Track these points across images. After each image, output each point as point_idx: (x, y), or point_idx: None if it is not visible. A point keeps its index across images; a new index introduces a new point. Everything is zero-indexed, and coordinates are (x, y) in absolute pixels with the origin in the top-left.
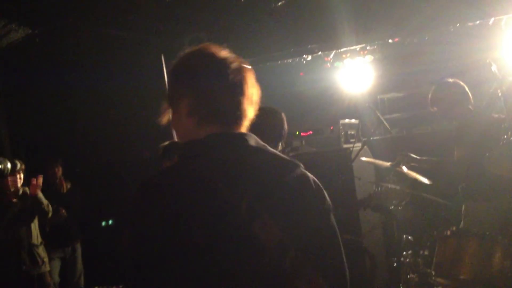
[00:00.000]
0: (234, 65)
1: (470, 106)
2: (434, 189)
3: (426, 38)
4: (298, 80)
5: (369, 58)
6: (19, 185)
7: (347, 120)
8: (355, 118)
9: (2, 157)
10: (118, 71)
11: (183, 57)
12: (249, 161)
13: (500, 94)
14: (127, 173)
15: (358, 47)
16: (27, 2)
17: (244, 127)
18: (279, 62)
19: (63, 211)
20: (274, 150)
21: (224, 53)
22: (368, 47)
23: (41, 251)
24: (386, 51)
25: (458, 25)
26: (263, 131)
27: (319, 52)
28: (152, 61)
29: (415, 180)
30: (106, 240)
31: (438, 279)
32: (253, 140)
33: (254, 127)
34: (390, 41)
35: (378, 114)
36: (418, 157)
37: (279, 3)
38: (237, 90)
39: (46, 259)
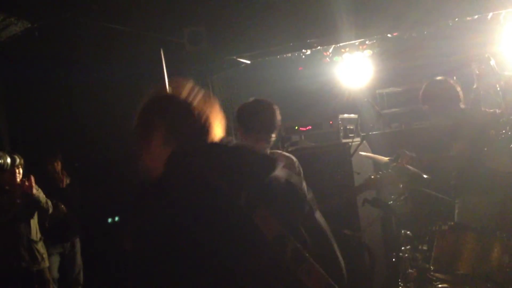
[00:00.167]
0: (199, 100)
1: (461, 104)
2: (432, 184)
3: (425, 32)
4: (297, 74)
5: (368, 52)
6: (18, 180)
7: (346, 115)
8: (354, 113)
9: (2, 152)
10: (117, 65)
11: (154, 97)
12: (237, 159)
13: (498, 89)
14: (127, 167)
15: (357, 41)
16: None
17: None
18: (278, 56)
19: (63, 206)
20: (255, 149)
21: (188, 90)
22: (367, 42)
23: (40, 247)
24: (385, 46)
25: (456, 19)
26: (254, 122)
27: (318, 46)
28: (151, 55)
29: (414, 174)
30: (105, 235)
31: (437, 274)
32: (233, 141)
33: (246, 118)
34: (389, 35)
35: (377, 109)
36: (414, 155)
37: None
38: (203, 120)
39: (45, 255)
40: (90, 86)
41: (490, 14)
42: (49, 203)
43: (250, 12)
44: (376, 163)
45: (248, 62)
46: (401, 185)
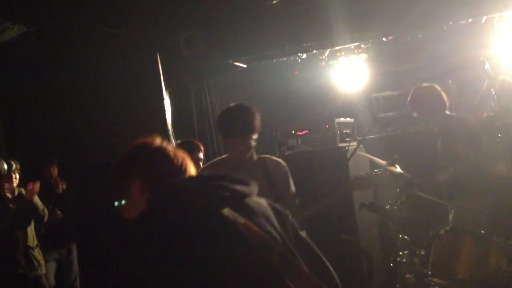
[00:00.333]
0: (172, 148)
1: (446, 111)
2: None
3: (420, 36)
4: (293, 78)
5: (364, 56)
6: (14, 185)
7: (342, 119)
8: (350, 117)
9: None
10: (114, 70)
11: (127, 152)
12: (213, 185)
13: (493, 93)
14: None
15: (352, 45)
16: (23, 0)
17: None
18: (274, 60)
19: (59, 212)
20: (233, 175)
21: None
22: (362, 45)
23: (37, 254)
24: (380, 49)
25: (451, 23)
26: (231, 126)
27: (314, 50)
28: (147, 60)
29: (410, 179)
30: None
31: (435, 279)
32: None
33: (223, 123)
34: (384, 39)
35: (373, 113)
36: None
37: (274, 1)
38: (179, 161)
39: (42, 261)
40: (87, 90)
41: (484, 18)
42: (46, 210)
43: (246, 16)
44: (373, 167)
45: (244, 66)
46: (398, 190)
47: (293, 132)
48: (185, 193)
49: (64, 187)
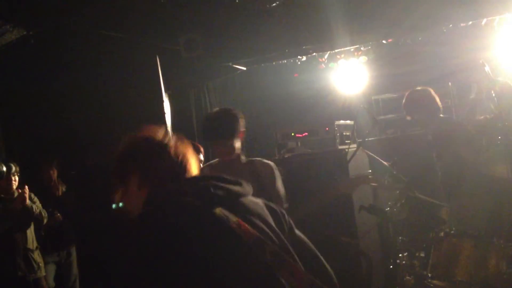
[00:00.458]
0: (173, 144)
1: (439, 114)
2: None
3: (420, 38)
4: (293, 81)
5: (363, 58)
6: (14, 188)
7: (342, 121)
8: (350, 119)
9: None
10: (113, 72)
11: (129, 144)
12: (209, 185)
13: (493, 95)
14: None
15: (352, 48)
16: (22, 3)
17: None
18: (273, 63)
19: (58, 214)
20: (228, 177)
21: (163, 133)
22: (362, 48)
23: (37, 256)
24: (380, 52)
25: (451, 25)
26: (212, 130)
27: (313, 53)
28: (147, 62)
29: (410, 181)
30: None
31: (434, 281)
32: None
33: (205, 127)
34: (384, 41)
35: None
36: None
37: (274, 4)
38: (180, 158)
39: (41, 264)
40: (86, 93)
41: (484, 20)
42: (44, 213)
43: (245, 19)
44: (373, 169)
45: (244, 68)
46: (398, 192)
47: (292, 134)
48: (182, 194)
49: (64, 189)
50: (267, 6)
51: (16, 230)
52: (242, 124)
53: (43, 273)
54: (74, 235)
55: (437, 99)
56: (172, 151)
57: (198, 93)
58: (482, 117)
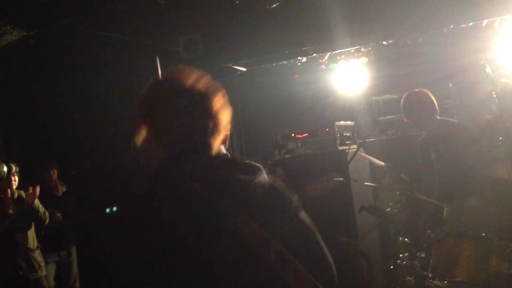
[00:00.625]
0: (197, 91)
1: (437, 116)
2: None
3: (420, 39)
4: (293, 82)
5: (364, 59)
6: (14, 188)
7: (342, 122)
8: (350, 120)
9: None
10: (113, 73)
11: (149, 86)
12: (217, 168)
13: (494, 96)
14: (122, 175)
15: (352, 49)
16: (22, 4)
17: (211, 149)
18: (273, 64)
19: (59, 214)
20: (235, 159)
21: (189, 78)
22: (362, 49)
23: (38, 256)
24: (381, 53)
25: (452, 26)
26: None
27: (313, 54)
28: (147, 63)
29: (411, 182)
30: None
31: (435, 282)
32: (215, 155)
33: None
34: (384, 42)
35: (373, 116)
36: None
37: (274, 5)
38: (196, 115)
39: (42, 263)
40: (86, 94)
41: (485, 21)
42: (47, 214)
43: (245, 20)
44: (373, 169)
45: (244, 69)
46: (398, 192)
47: (293, 135)
48: (188, 179)
49: (64, 189)
50: (267, 7)
51: (20, 230)
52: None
53: (44, 273)
54: (74, 235)
55: (435, 101)
56: (195, 105)
57: None
58: (490, 116)
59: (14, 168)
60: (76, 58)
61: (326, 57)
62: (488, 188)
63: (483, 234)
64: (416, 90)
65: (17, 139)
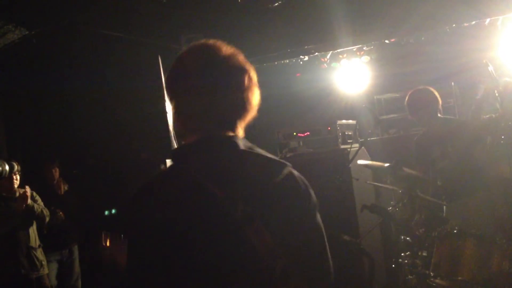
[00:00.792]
0: (227, 66)
1: (439, 114)
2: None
3: (423, 38)
4: (295, 80)
5: (366, 58)
6: (15, 186)
7: (344, 121)
8: (352, 119)
9: (0, 159)
10: (115, 72)
11: (178, 56)
12: (239, 165)
13: (497, 95)
14: (125, 174)
15: (354, 47)
16: (24, 3)
17: (237, 129)
18: (276, 62)
19: (61, 213)
20: (262, 151)
21: (219, 51)
22: (364, 48)
23: (40, 254)
24: (383, 52)
25: (454, 25)
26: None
27: (315, 52)
28: (149, 62)
29: (413, 180)
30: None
31: (437, 280)
32: (242, 142)
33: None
34: (386, 41)
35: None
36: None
37: (276, 4)
38: (227, 91)
39: (44, 262)
40: (88, 93)
41: (488, 20)
42: (46, 212)
43: (248, 18)
44: (375, 169)
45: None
46: (400, 191)
47: (294, 134)
48: (200, 176)
49: (66, 188)
50: (270, 5)
51: (19, 229)
52: None
53: (46, 271)
54: (76, 233)
55: (439, 99)
56: (220, 77)
57: None
58: (487, 116)
59: (16, 167)
60: (78, 56)
61: (328, 56)
62: (490, 186)
63: (485, 233)
64: (421, 87)
65: (19, 138)
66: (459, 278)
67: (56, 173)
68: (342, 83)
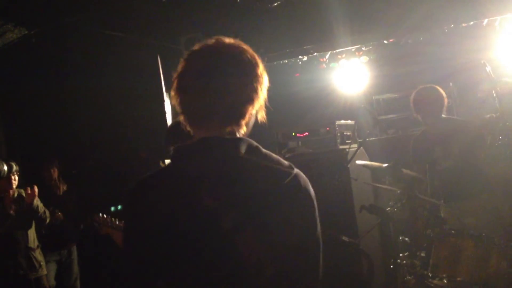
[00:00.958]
0: (235, 62)
1: (443, 114)
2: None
3: (421, 38)
4: (294, 81)
5: (365, 58)
6: (14, 187)
7: (343, 121)
8: (351, 119)
9: None
10: (114, 72)
11: (187, 54)
12: (236, 170)
13: (495, 95)
14: (123, 174)
15: (353, 48)
16: (24, 2)
17: (240, 128)
18: (274, 63)
19: (60, 213)
20: (267, 155)
21: (228, 49)
22: (363, 48)
23: (38, 255)
24: (381, 52)
25: (452, 25)
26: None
27: (314, 53)
28: (148, 62)
29: (412, 181)
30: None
31: (435, 281)
32: (245, 146)
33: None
34: (385, 41)
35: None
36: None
37: (275, 4)
38: (232, 89)
39: (43, 263)
40: (87, 92)
41: (486, 20)
42: (47, 213)
43: (247, 18)
44: (374, 169)
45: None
46: (399, 191)
47: (293, 134)
48: (196, 182)
49: (65, 188)
50: (268, 6)
51: (19, 229)
52: None
53: (45, 272)
54: (75, 234)
55: (445, 98)
56: (224, 75)
57: None
58: (488, 115)
59: (14, 167)
60: (78, 56)
61: (327, 56)
62: (488, 186)
63: (483, 234)
64: (428, 85)
65: (18, 138)
66: (458, 278)
67: (55, 173)
68: (341, 83)
